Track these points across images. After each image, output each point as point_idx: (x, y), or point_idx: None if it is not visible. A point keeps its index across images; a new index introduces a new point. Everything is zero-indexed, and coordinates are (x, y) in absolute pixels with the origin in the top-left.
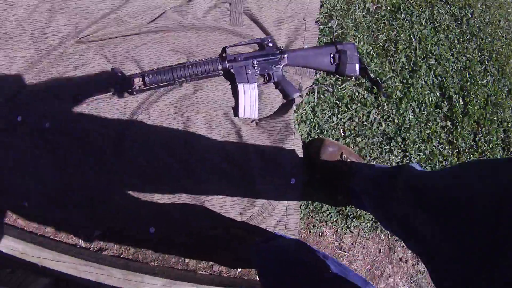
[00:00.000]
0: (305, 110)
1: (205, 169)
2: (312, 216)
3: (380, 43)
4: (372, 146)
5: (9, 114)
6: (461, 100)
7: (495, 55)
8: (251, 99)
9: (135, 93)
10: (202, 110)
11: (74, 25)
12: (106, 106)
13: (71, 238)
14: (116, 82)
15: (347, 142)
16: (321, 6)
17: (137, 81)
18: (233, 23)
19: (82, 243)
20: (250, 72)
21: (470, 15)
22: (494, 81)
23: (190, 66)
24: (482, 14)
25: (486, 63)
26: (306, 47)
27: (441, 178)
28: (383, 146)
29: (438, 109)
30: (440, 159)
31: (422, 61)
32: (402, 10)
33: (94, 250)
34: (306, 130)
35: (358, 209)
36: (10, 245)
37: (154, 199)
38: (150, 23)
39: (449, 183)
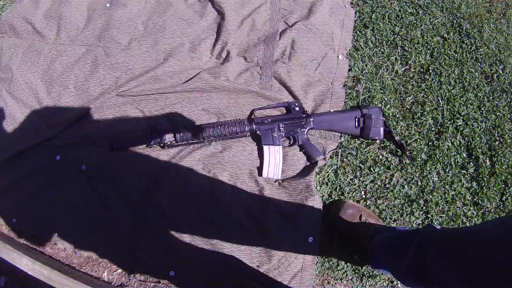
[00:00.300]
0: (327, 172)
1: (227, 222)
2: (327, 273)
3: (407, 106)
4: (393, 208)
5: (49, 152)
6: (488, 161)
7: None
8: (275, 160)
9: (166, 147)
10: (228, 168)
11: (115, 79)
12: (139, 157)
13: (95, 270)
14: (150, 136)
15: (367, 204)
16: (349, 70)
17: (169, 137)
18: (263, 87)
19: (105, 276)
20: (276, 135)
21: (501, 71)
22: None
23: (219, 127)
24: None
25: None
26: (332, 111)
27: (467, 233)
28: (404, 208)
29: (464, 170)
30: (464, 220)
31: (449, 123)
32: (431, 71)
33: (116, 285)
34: (327, 191)
35: (374, 269)
36: (37, 269)
37: (177, 245)
38: (185, 83)
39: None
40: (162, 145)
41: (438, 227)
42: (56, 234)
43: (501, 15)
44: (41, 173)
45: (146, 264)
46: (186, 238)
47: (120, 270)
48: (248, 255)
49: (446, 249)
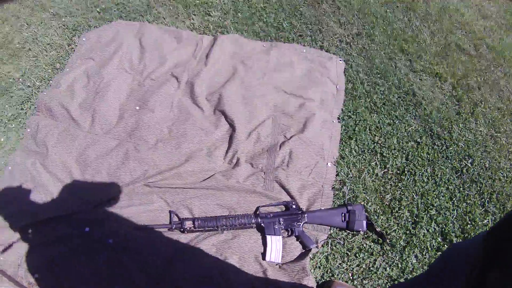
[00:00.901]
0: (319, 258)
1: None
2: None
3: (386, 202)
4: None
5: (79, 224)
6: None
7: (495, 196)
8: (276, 247)
9: (185, 232)
10: (237, 252)
11: (144, 171)
12: (161, 238)
13: None
14: (172, 222)
15: (355, 283)
16: (336, 175)
17: (189, 224)
18: (266, 188)
19: None
20: (277, 227)
21: (470, 165)
22: (495, 220)
23: (231, 219)
24: (482, 160)
25: (487, 204)
26: (322, 208)
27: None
28: (387, 286)
29: (439, 252)
30: None
31: (423, 213)
32: (406, 172)
33: None
34: (320, 273)
35: None
36: None
37: None
38: (202, 181)
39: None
40: (182, 230)
41: None
42: None
43: (470, 114)
44: (70, 240)
45: None
46: None
47: None
48: None
49: None
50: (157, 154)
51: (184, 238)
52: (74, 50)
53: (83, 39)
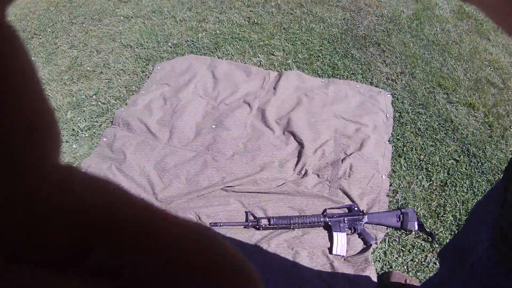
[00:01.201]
0: (379, 253)
1: (306, 285)
2: None
3: (433, 208)
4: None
5: None
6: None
7: None
8: (342, 242)
9: (261, 229)
10: (307, 247)
11: (221, 177)
12: (237, 234)
13: None
14: (249, 220)
15: (410, 275)
16: (390, 185)
17: (264, 222)
18: (331, 194)
19: None
20: (342, 225)
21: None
22: None
23: (302, 217)
24: None
25: None
26: (380, 211)
27: None
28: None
29: None
30: None
31: (465, 217)
32: (448, 184)
33: None
34: (379, 266)
35: None
36: None
37: None
38: (276, 187)
39: None
40: (257, 227)
41: None
42: None
43: (500, 137)
44: None
45: None
46: None
47: None
48: None
49: None
50: (234, 164)
51: (259, 234)
52: (148, 77)
53: (158, 68)
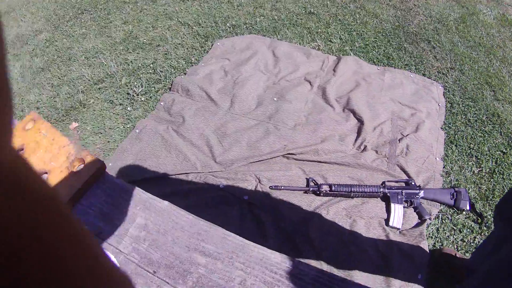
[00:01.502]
0: (432, 229)
1: (361, 255)
2: None
3: (483, 191)
4: None
5: (214, 180)
6: None
7: None
8: (398, 215)
9: (321, 195)
10: (364, 216)
11: (283, 145)
12: (297, 197)
13: None
14: (310, 186)
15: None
16: (443, 167)
17: (326, 187)
18: (389, 169)
19: None
20: (399, 198)
21: None
22: None
23: (362, 187)
24: None
25: None
26: (435, 188)
27: None
28: None
29: None
30: None
31: None
32: (496, 172)
33: None
34: (431, 242)
35: None
36: None
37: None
38: (337, 158)
39: None
40: (318, 192)
41: None
42: None
43: None
44: (205, 192)
45: None
46: (325, 266)
47: None
48: (372, 281)
49: None
50: (296, 134)
51: (319, 200)
52: (207, 52)
53: (218, 43)
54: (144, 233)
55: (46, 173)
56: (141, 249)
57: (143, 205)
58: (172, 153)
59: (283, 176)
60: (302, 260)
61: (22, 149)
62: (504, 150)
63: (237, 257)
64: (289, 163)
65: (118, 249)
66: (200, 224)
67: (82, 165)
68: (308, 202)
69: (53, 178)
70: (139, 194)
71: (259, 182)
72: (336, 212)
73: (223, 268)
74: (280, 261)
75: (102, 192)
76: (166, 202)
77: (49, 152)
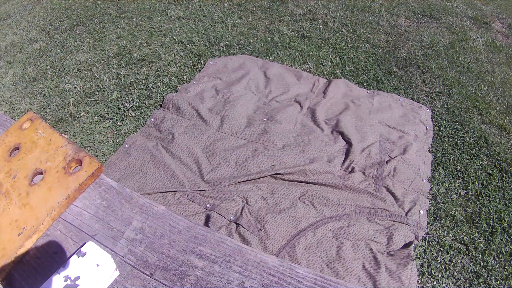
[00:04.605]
0: (419, 250)
1: (348, 274)
2: None
3: (469, 214)
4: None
5: (201, 200)
6: None
7: None
8: None
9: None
10: (351, 238)
11: (271, 165)
12: (285, 219)
13: None
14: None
15: (448, 274)
16: (430, 189)
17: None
18: (376, 190)
19: None
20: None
21: None
22: None
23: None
24: None
25: None
26: (421, 211)
27: None
28: (473, 279)
29: None
30: None
31: (498, 225)
32: (482, 194)
33: None
34: (419, 263)
35: None
36: None
37: None
38: (324, 179)
39: None
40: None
41: None
42: None
43: None
44: (192, 212)
45: None
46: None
47: None
48: None
49: None
50: (284, 154)
51: (305, 221)
52: (199, 70)
53: (210, 62)
54: (141, 236)
55: (41, 173)
56: (137, 251)
57: (140, 209)
58: (161, 170)
59: (270, 197)
60: None
61: (18, 148)
62: (490, 172)
63: (234, 260)
64: (276, 184)
65: (113, 251)
66: (197, 228)
67: (79, 166)
68: (295, 224)
69: (49, 178)
70: (135, 198)
71: (247, 203)
72: (323, 233)
73: (221, 271)
74: (277, 264)
75: (98, 195)
76: (162, 207)
77: (46, 152)
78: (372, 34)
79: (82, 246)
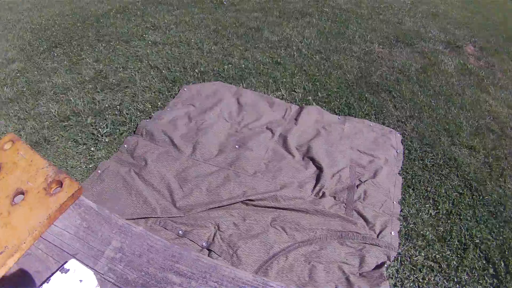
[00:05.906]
0: (391, 271)
1: None
2: None
3: (440, 233)
4: None
5: (173, 226)
6: (502, 263)
7: None
8: None
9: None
10: (323, 261)
11: (243, 191)
12: (256, 245)
13: None
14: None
15: None
16: (400, 211)
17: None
18: (346, 214)
19: None
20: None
21: (502, 209)
22: None
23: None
24: None
25: None
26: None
27: None
28: None
29: (486, 271)
30: None
31: (470, 242)
32: (453, 213)
33: None
34: (392, 283)
35: None
36: None
37: None
38: (295, 205)
39: None
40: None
41: None
42: None
43: (499, 175)
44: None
45: None
46: None
47: None
48: None
49: None
50: (255, 181)
51: (277, 246)
52: (173, 96)
53: (184, 89)
54: (120, 255)
55: (22, 193)
56: (117, 269)
57: (119, 229)
58: (133, 196)
59: (242, 223)
60: None
61: None
62: (461, 191)
63: (210, 276)
64: (247, 210)
65: (94, 269)
66: (174, 247)
67: (59, 188)
68: (267, 249)
69: (30, 198)
70: (115, 219)
71: (218, 229)
72: (295, 258)
73: (198, 286)
74: (251, 279)
75: (78, 215)
76: (141, 227)
77: (27, 172)
78: (345, 61)
79: (65, 263)
